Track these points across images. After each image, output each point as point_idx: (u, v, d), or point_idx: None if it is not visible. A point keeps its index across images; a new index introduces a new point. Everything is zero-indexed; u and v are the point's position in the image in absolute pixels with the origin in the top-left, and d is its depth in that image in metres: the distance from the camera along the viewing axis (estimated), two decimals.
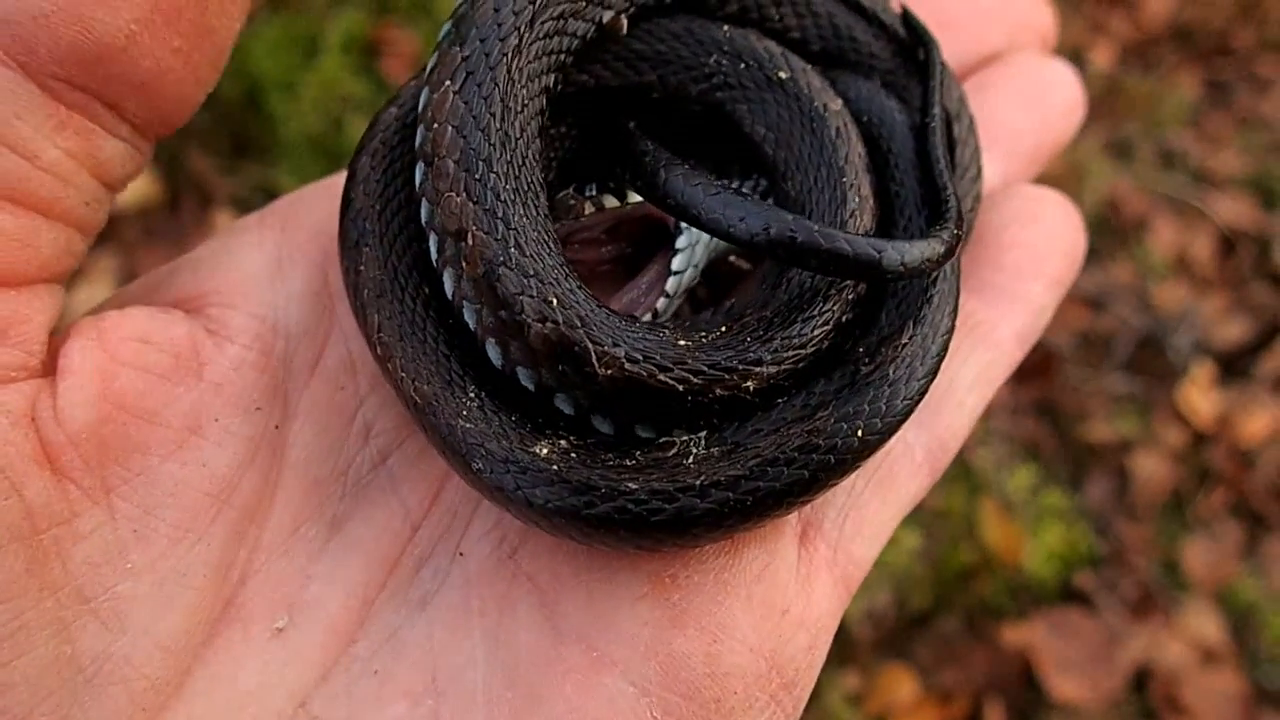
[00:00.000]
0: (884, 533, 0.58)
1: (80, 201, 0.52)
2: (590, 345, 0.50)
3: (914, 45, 0.65)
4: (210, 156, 2.32)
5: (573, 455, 0.51)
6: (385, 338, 0.54)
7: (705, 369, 0.51)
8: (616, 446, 0.52)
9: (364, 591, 0.55)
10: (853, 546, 0.56)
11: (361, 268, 0.55)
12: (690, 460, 0.50)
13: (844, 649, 1.70)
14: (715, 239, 0.59)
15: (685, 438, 0.52)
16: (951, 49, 0.71)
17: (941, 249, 0.53)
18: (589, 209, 0.61)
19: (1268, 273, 2.14)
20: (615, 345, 0.50)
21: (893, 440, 0.54)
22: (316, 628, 0.53)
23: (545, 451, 0.50)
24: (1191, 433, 1.94)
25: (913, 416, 0.55)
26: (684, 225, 0.60)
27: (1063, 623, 1.73)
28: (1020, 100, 0.72)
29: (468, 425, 0.51)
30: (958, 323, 0.58)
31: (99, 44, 0.48)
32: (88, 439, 0.51)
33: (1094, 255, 2.14)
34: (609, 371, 0.50)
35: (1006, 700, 1.69)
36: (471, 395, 0.52)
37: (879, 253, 0.51)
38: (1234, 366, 2.03)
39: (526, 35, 0.53)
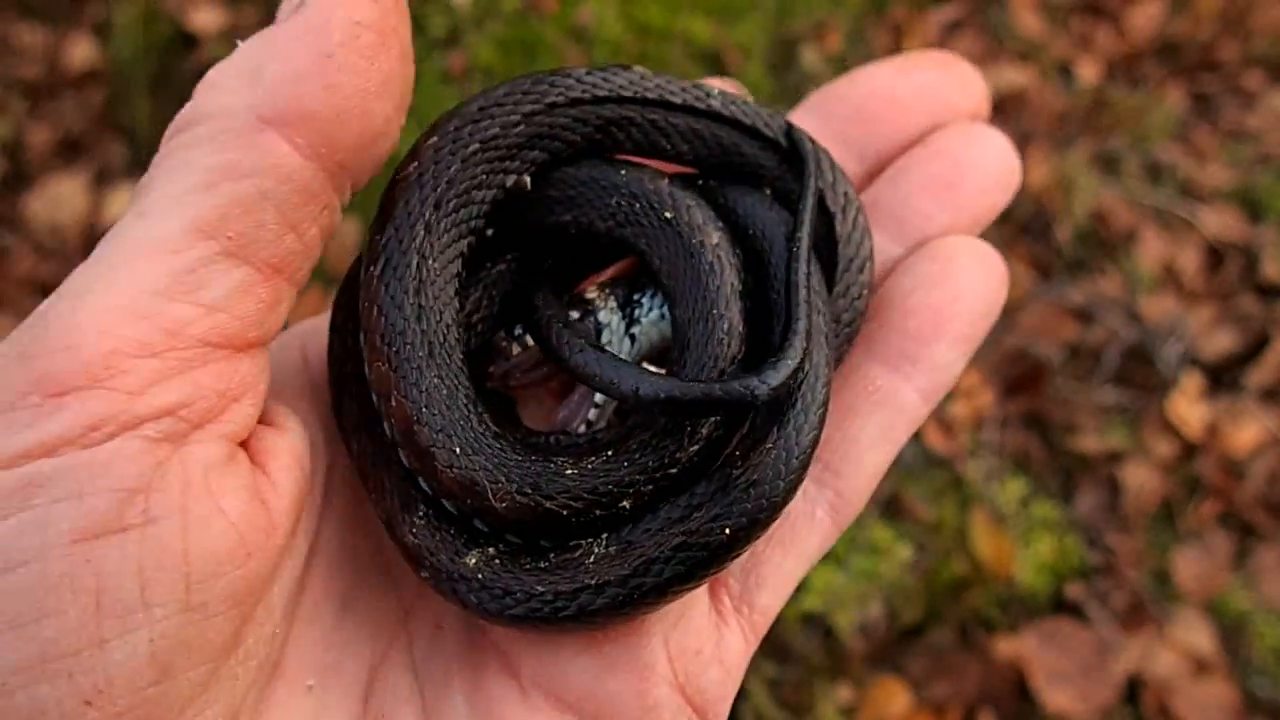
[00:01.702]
0: (788, 584, 0.66)
1: (310, 269, 0.58)
2: (487, 483, 0.61)
3: (796, 157, 0.72)
4: None
5: (496, 562, 0.62)
6: (361, 463, 0.66)
7: (585, 495, 0.62)
8: (534, 551, 0.63)
9: (370, 659, 0.64)
10: (756, 598, 0.65)
11: (343, 404, 0.67)
12: (591, 560, 0.61)
13: (837, 661, 1.70)
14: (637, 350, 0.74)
15: (589, 540, 0.63)
16: (874, 144, 0.76)
17: (772, 384, 0.60)
18: (516, 349, 0.72)
19: (1255, 284, 2.15)
20: (509, 481, 0.62)
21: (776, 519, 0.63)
22: (337, 688, 0.62)
23: (474, 562, 0.61)
24: (1181, 444, 1.95)
25: (813, 476, 0.66)
26: None
27: (1054, 634, 1.74)
28: (933, 187, 0.73)
29: (416, 540, 0.62)
30: (864, 387, 0.68)
31: (373, 132, 0.56)
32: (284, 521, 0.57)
33: (1083, 268, 2.15)
34: (504, 504, 0.61)
35: (999, 712, 1.69)
36: (420, 514, 0.63)
37: (706, 394, 0.60)
38: (1222, 377, 2.04)
39: (433, 216, 0.64)
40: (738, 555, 0.60)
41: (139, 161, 2.38)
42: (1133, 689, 1.72)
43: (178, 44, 2.47)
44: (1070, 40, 2.48)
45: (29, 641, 0.46)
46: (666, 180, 0.70)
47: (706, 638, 0.62)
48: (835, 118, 0.77)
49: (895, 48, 2.40)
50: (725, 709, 0.62)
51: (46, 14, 2.57)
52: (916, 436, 1.89)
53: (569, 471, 0.62)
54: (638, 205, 0.70)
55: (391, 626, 0.66)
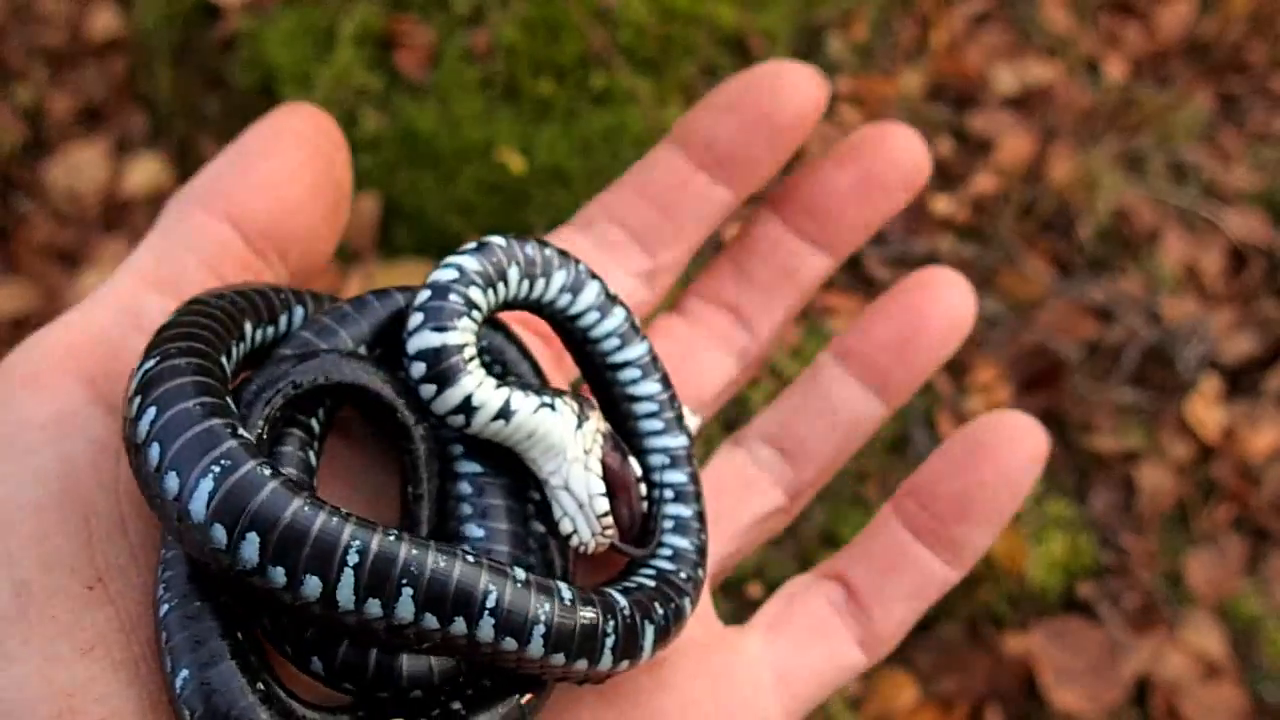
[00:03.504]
0: (814, 693, 0.67)
1: None
2: None
3: None
4: (222, 145, 2.32)
5: None
6: None
7: None
8: None
9: None
10: (799, 690, 0.66)
11: None
12: None
13: None
14: None
15: None
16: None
17: None
18: None
19: (1277, 288, 2.13)
20: None
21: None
22: None
23: None
24: (1198, 446, 1.93)
25: (855, 636, 0.67)
26: None
27: (1064, 632, 1.73)
28: (896, 332, 0.75)
29: None
30: (900, 550, 0.70)
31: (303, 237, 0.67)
32: None
33: (1104, 266, 2.14)
34: None
35: (1007, 709, 1.68)
36: None
37: None
38: (1241, 381, 2.03)
39: None
40: None
41: (160, 131, 2.38)
42: (1142, 690, 1.71)
43: (201, 15, 2.46)
44: (1098, 37, 2.46)
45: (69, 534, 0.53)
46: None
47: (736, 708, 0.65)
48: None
49: (921, 38, 2.39)
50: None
51: None
52: (932, 430, 1.88)
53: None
54: None
55: None
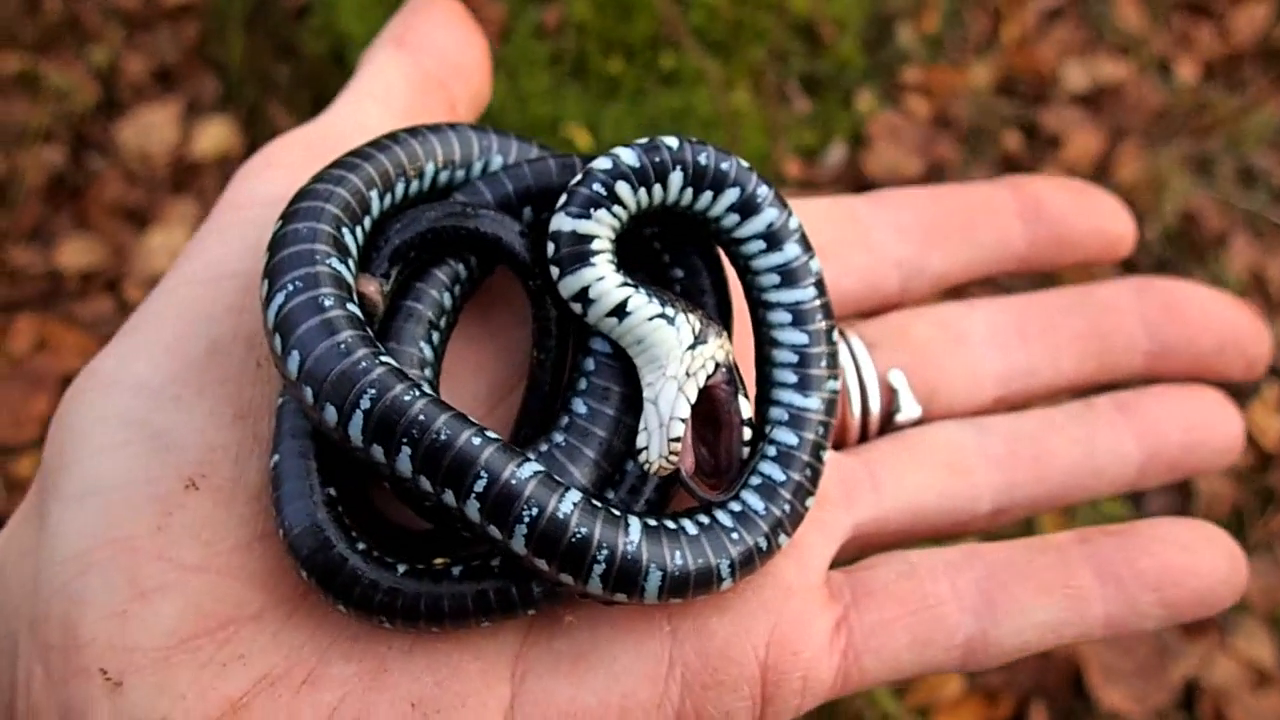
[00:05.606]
0: (898, 671, 0.63)
1: None
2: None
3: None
4: (291, 112, 2.35)
5: None
6: None
7: None
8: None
9: None
10: (865, 661, 0.62)
11: None
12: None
13: None
14: None
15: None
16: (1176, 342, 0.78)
17: None
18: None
19: None
20: None
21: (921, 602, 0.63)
22: None
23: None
24: (1257, 453, 1.91)
25: (972, 608, 0.62)
26: None
27: None
28: (1184, 419, 0.75)
29: None
30: (1065, 579, 0.64)
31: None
32: None
33: (1169, 268, 2.11)
34: None
35: (1052, 704, 1.68)
36: None
37: None
38: None
39: None
40: None
41: (230, 96, 2.41)
42: (1190, 694, 1.70)
43: None
44: (1171, 37, 2.43)
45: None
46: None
47: (807, 651, 0.60)
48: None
49: (993, 31, 2.37)
50: (784, 715, 0.61)
51: None
52: None
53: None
54: None
55: None
